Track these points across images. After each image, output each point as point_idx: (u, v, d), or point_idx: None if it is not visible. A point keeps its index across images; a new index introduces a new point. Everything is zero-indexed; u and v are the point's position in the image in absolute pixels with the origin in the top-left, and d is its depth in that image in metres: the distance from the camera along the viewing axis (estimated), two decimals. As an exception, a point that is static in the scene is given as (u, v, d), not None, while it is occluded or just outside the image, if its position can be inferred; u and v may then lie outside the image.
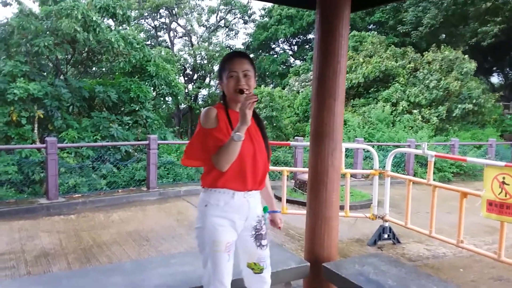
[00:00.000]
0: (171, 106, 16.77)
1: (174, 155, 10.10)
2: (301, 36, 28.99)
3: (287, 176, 5.96)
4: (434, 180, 4.73)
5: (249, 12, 28.99)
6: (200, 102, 25.90)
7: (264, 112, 14.80)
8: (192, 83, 25.47)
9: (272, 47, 30.36)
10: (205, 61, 24.67)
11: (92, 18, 9.69)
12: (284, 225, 2.50)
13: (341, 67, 2.90)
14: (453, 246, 4.55)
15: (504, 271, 4.35)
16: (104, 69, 12.81)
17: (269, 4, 26.97)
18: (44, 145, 6.93)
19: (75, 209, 6.68)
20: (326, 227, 3.06)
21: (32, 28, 9.26)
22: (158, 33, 27.64)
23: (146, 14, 25.70)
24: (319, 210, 3.05)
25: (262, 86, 18.06)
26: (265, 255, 2.20)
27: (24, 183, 7.69)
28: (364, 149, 9.71)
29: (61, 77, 10.63)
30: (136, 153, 9.73)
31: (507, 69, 27.62)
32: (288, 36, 27.61)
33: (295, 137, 11.32)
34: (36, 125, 9.22)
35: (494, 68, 27.92)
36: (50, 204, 6.63)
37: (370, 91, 17.00)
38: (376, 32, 21.92)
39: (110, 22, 11.90)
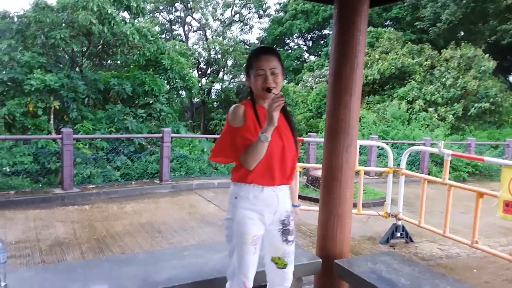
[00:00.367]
0: (184, 99, 16.81)
1: (186, 148, 10.14)
2: (316, 32, 28.76)
3: (300, 172, 5.94)
4: (449, 179, 4.66)
5: (264, 6, 28.84)
6: (213, 97, 25.94)
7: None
8: (206, 77, 25.50)
9: (287, 42, 30.19)
10: (219, 56, 24.65)
11: (107, 10, 9.73)
12: (296, 221, 2.50)
13: (359, 63, 2.86)
14: (467, 246, 4.48)
15: (519, 273, 4.28)
16: (118, 61, 12.88)
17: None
18: (60, 136, 7.02)
19: (89, 199, 6.77)
20: (339, 224, 3.03)
21: (48, 21, 9.36)
22: (173, 27, 27.71)
23: (161, 7, 25.77)
24: (332, 207, 3.02)
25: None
26: (290, 250, 2.20)
27: (39, 173, 7.81)
28: (378, 147, 9.62)
29: (77, 69, 10.74)
30: (149, 146, 9.80)
31: (527, 68, 26.99)
32: (303, 31, 27.42)
33: (308, 133, 11.28)
34: (52, 116, 9.34)
35: (513, 67, 27.31)
36: (64, 194, 6.73)
37: (385, 88, 16.82)
38: (392, 29, 21.61)
39: (125, 14, 11.95)
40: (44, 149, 8.10)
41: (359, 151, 8.59)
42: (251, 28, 29.30)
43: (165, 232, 5.27)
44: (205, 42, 25.78)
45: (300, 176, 6.15)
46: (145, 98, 10.72)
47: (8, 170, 7.25)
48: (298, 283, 2.90)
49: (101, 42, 10.92)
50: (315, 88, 18.57)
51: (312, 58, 27.82)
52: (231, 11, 27.58)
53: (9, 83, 9.24)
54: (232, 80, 27.67)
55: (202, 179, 8.52)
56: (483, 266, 4.55)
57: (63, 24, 9.70)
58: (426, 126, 14.03)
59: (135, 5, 10.93)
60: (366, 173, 9.01)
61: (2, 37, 10.26)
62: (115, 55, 11.94)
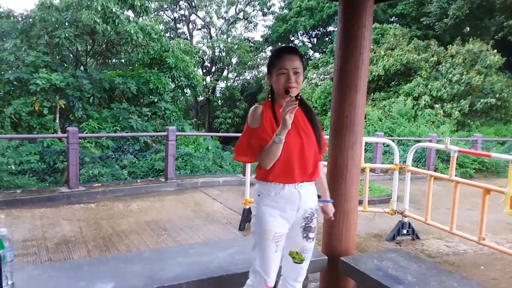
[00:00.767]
0: (189, 98, 16.85)
1: (191, 146, 10.15)
2: (321, 29, 28.63)
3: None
4: (455, 176, 4.62)
5: (268, 4, 28.79)
6: (218, 95, 25.95)
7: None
8: (210, 76, 25.53)
9: (291, 39, 30.07)
10: (224, 54, 24.66)
11: (111, 9, 9.76)
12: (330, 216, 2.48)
13: (364, 59, 2.84)
14: (474, 243, 4.45)
15: (527, 270, 4.25)
16: (123, 60, 12.93)
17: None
18: (65, 135, 7.05)
19: (95, 198, 6.80)
20: (345, 221, 3.02)
21: (52, 20, 9.39)
22: (177, 25, 27.74)
23: (166, 6, 25.80)
24: (338, 204, 3.00)
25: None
26: (309, 247, 2.22)
27: (45, 172, 7.85)
28: (383, 144, 9.57)
29: (81, 68, 10.78)
30: (154, 144, 9.82)
31: (534, 63, 26.73)
32: (308, 28, 27.29)
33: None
34: (57, 115, 9.39)
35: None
36: (70, 192, 6.76)
37: (391, 84, 16.71)
38: (398, 25, 21.46)
39: (129, 13, 11.97)
40: (50, 148, 8.15)
41: (365, 148, 8.56)
42: (255, 25, 29.29)
43: (171, 230, 5.28)
44: (209, 40, 25.80)
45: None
46: (150, 97, 10.75)
47: (14, 169, 7.29)
48: (304, 280, 2.89)
49: (105, 41, 10.95)
50: (320, 85, 18.49)
51: (317, 55, 27.71)
52: (235, 9, 27.57)
53: (15, 82, 9.31)
54: (237, 78, 27.68)
55: (207, 177, 8.52)
56: (490, 263, 4.52)
57: (67, 23, 9.74)
58: (432, 122, 13.93)
59: (139, 4, 10.94)
60: (372, 170, 8.97)
61: (8, 37, 10.33)
62: (119, 54, 11.98)
